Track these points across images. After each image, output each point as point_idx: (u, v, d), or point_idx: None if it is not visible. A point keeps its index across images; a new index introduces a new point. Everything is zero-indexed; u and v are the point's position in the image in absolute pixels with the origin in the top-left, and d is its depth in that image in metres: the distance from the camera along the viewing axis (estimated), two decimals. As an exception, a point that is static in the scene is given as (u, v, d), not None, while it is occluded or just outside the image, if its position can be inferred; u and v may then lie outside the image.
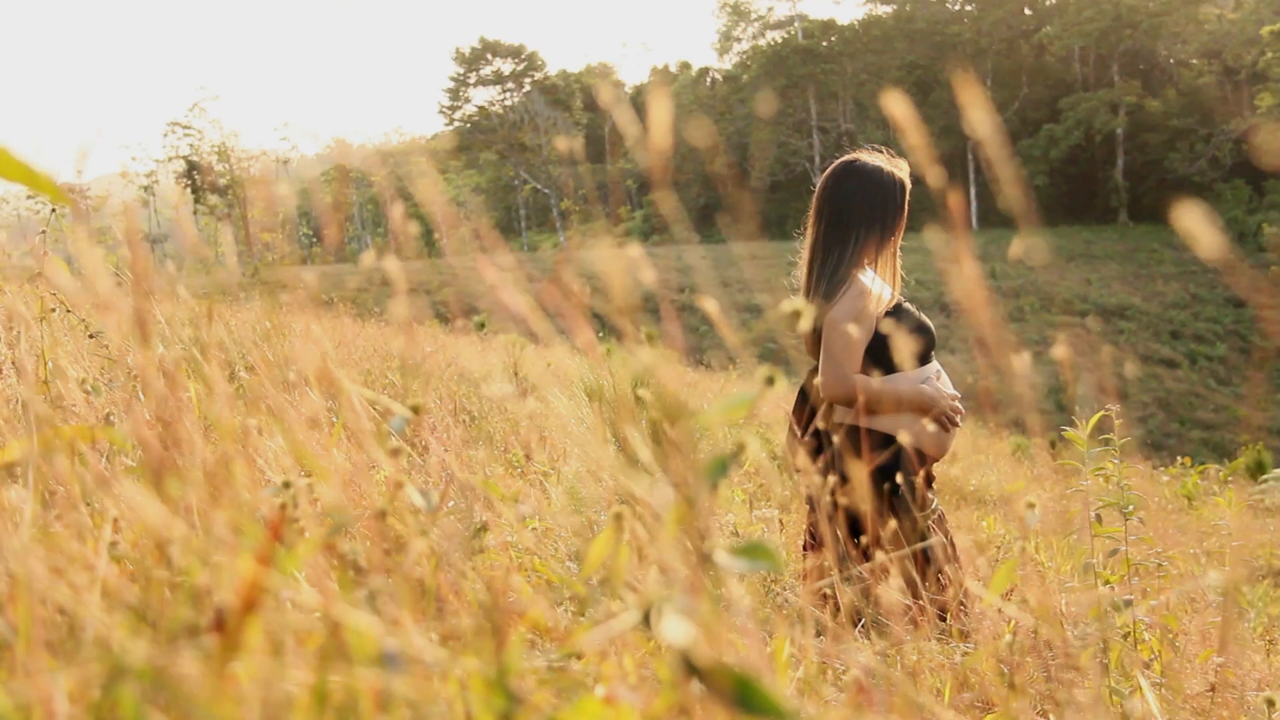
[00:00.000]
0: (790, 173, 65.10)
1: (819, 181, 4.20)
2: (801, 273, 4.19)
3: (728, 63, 78.50)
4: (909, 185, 4.22)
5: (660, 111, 1.20)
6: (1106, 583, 3.87)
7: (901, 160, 4.25)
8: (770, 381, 1.46)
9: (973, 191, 68.88)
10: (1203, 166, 64.67)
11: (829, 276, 4.07)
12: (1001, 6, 71.62)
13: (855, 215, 4.13)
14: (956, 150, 69.69)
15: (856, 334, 3.98)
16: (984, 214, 68.56)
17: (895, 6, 73.16)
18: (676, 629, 1.00)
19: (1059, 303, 52.60)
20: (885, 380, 4.01)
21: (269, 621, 1.09)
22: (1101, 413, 4.17)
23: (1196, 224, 0.96)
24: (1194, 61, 69.35)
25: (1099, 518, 4.01)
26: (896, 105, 1.14)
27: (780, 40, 72.35)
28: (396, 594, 1.32)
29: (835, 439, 4.08)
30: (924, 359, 4.15)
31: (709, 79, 79.12)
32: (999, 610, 2.50)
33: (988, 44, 69.92)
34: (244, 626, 1.06)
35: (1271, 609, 8.03)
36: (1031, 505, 2.40)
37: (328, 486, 1.33)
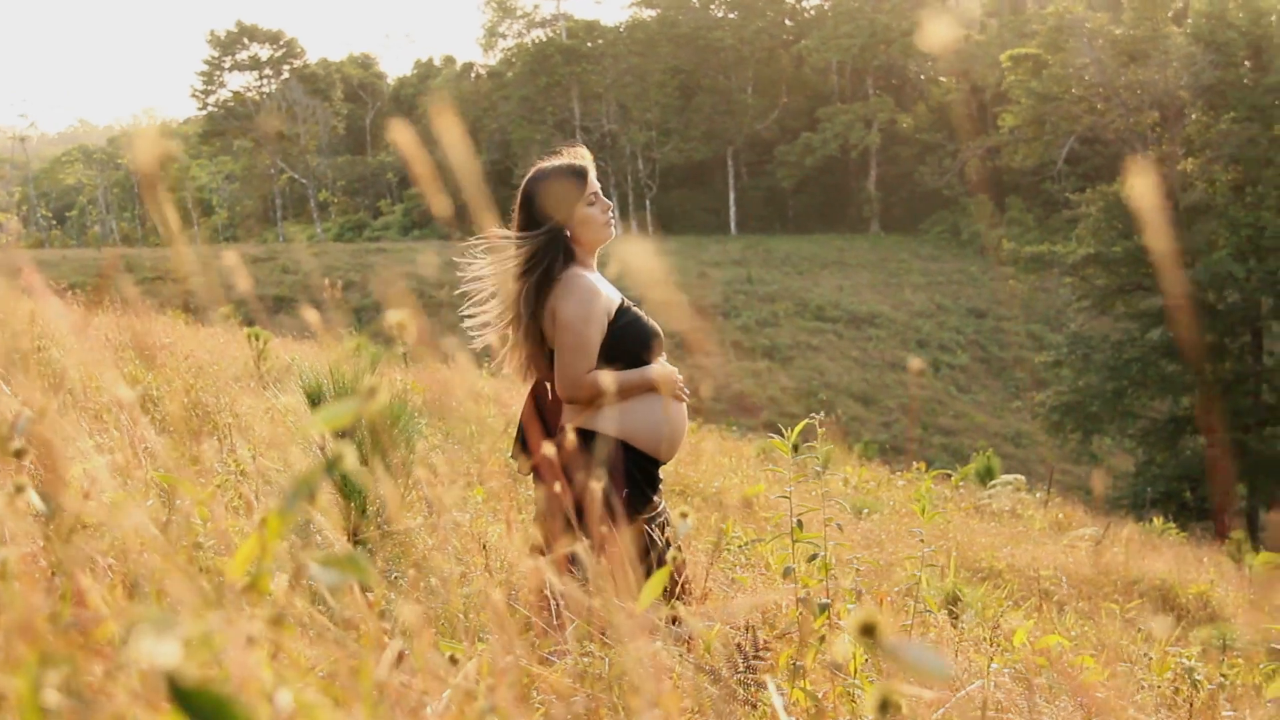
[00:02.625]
0: (553, 172, 64.94)
1: (532, 180, 4.31)
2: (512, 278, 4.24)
3: (493, 59, 78.02)
4: (591, 169, 4.38)
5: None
6: (806, 586, 3.90)
7: (581, 149, 4.42)
8: (373, 393, 1.44)
9: (732, 197, 69.97)
10: (950, 181, 67.01)
11: (536, 279, 4.16)
12: (762, 16, 72.84)
13: (544, 215, 4.22)
14: (717, 155, 70.71)
15: (590, 332, 4.09)
16: (743, 219, 69.76)
17: (659, 11, 73.80)
18: (156, 650, 0.91)
19: (813, 309, 53.78)
20: (611, 372, 4.08)
21: None
22: (806, 421, 4.23)
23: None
24: (943, 79, 71.86)
25: (799, 523, 4.05)
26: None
27: (545, 39, 72.22)
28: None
29: (565, 442, 3.93)
30: (651, 359, 4.23)
31: (473, 74, 78.44)
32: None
33: (749, 52, 71.05)
34: None
35: (989, 610, 8.29)
36: (685, 515, 2.34)
37: None
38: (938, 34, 1.56)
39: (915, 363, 43.43)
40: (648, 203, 69.54)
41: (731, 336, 50.28)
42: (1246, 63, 37.77)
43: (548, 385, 4.28)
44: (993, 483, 17.92)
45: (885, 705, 1.18)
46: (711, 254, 59.26)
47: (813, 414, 4.14)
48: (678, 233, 66.11)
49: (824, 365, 49.29)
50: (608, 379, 4.06)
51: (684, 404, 4.42)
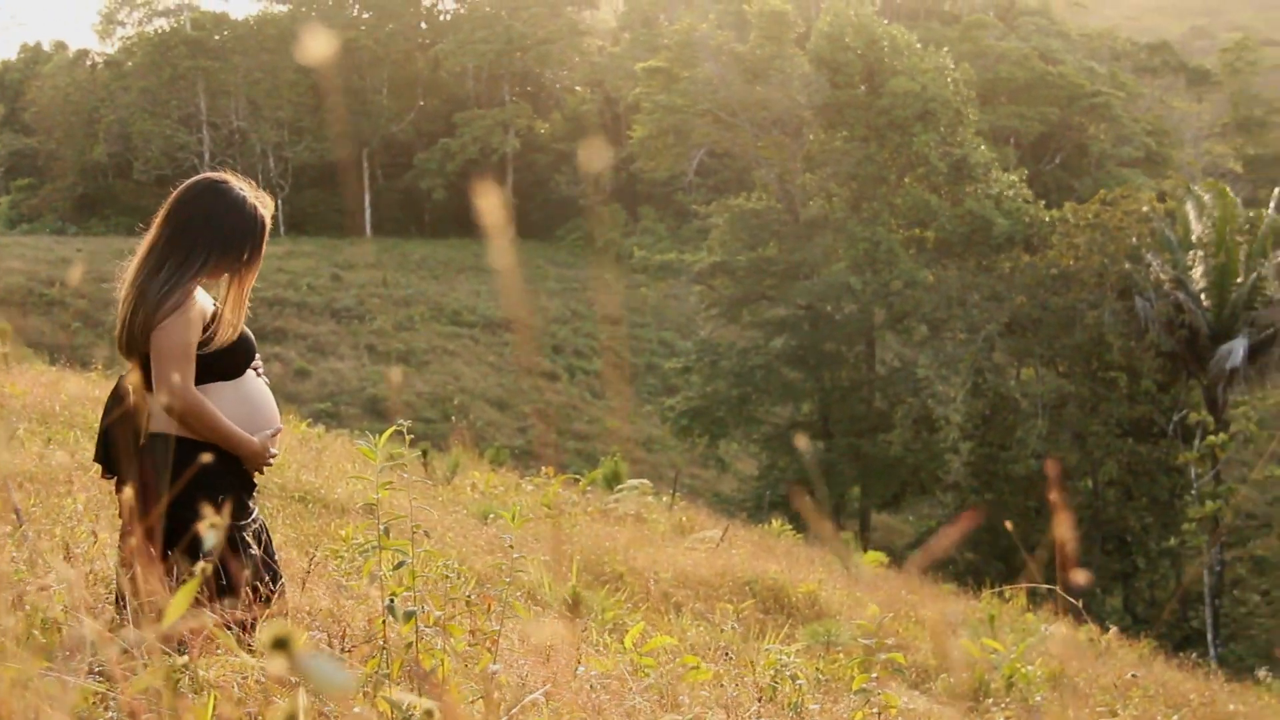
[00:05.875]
0: (178, 167, 61.91)
1: (177, 189, 4.16)
2: (130, 272, 4.09)
3: (110, 47, 74.23)
4: (268, 224, 4.25)
5: None
6: (393, 593, 3.75)
7: (266, 197, 4.27)
8: None
9: (368, 199, 68.93)
10: (585, 189, 67.95)
11: (164, 286, 4.00)
12: (398, 18, 72.02)
13: (208, 236, 4.08)
14: (352, 157, 69.49)
15: (189, 338, 3.98)
16: (379, 222, 68.83)
17: (291, 6, 72.04)
18: None
19: (449, 313, 53.60)
20: (214, 408, 4.03)
21: None
22: (394, 427, 4.06)
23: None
24: (578, 89, 72.91)
25: (387, 530, 3.90)
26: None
27: (168, 29, 69.16)
28: None
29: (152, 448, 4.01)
30: (241, 370, 4.21)
31: (89, 62, 74.35)
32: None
33: (384, 53, 70.07)
34: None
35: (609, 613, 8.28)
36: (213, 525, 2.11)
37: None
38: (316, 47, 1.44)
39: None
40: (280, 202, 67.66)
41: (366, 340, 49.53)
42: (862, 85, 39.76)
43: (131, 387, 4.11)
44: (619, 487, 18.10)
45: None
46: (346, 256, 58.24)
47: (401, 421, 4.00)
48: (311, 234, 64.62)
49: (460, 370, 49.17)
50: (202, 415, 4.01)
51: (274, 402, 4.38)
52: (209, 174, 4.21)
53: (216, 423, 4.02)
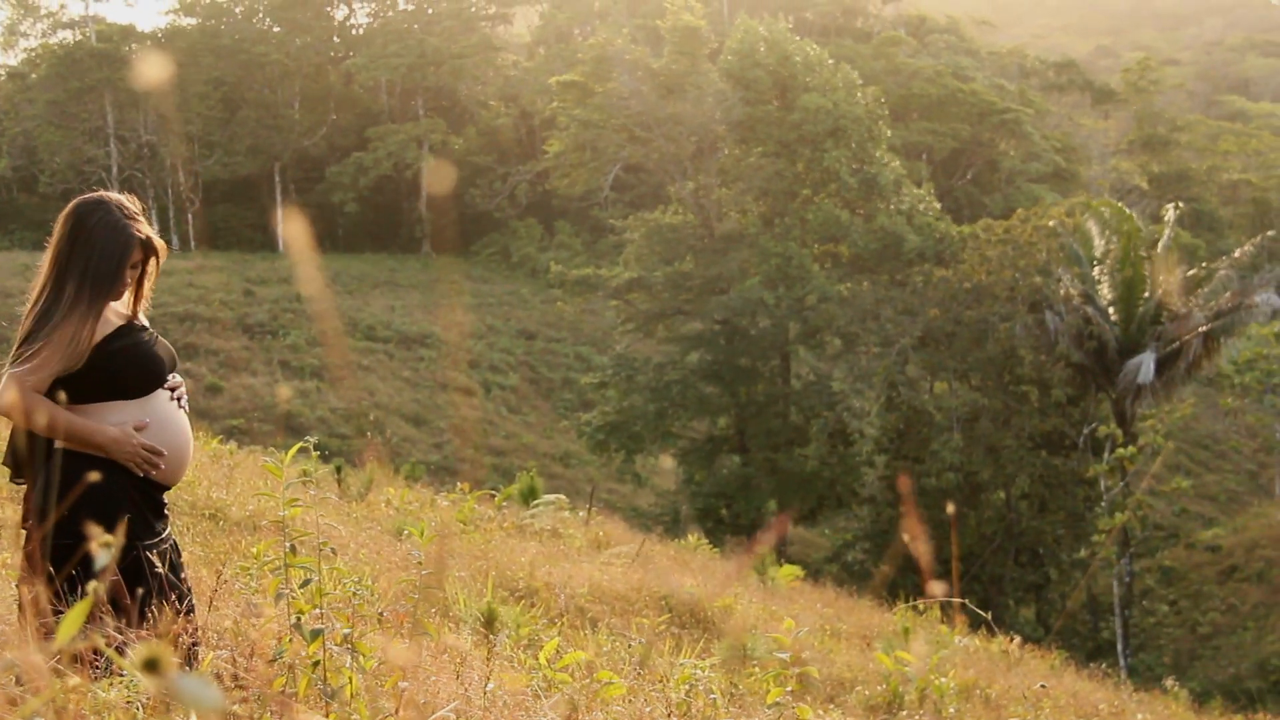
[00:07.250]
0: (85, 180, 60.65)
1: (66, 209, 4.12)
2: (36, 286, 4.06)
3: (14, 58, 73.06)
4: (148, 242, 4.14)
5: None
6: (300, 611, 3.67)
7: (141, 223, 4.15)
8: None
9: (279, 214, 68.14)
10: (501, 204, 67.68)
11: (51, 304, 3.95)
12: (309, 31, 71.41)
13: (73, 264, 4.00)
14: (264, 171, 68.79)
15: (45, 350, 3.88)
16: (291, 237, 68.14)
17: (199, 19, 71.17)
18: None
19: (363, 329, 53.15)
20: (48, 403, 3.86)
21: None
22: (300, 444, 3.99)
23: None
24: (493, 103, 72.60)
25: (294, 548, 3.81)
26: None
27: (73, 41, 68.06)
28: None
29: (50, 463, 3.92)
30: (144, 388, 4.10)
31: (-10, 73, 73.18)
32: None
33: (295, 67, 69.31)
34: None
35: (524, 628, 8.21)
36: (107, 545, 2.03)
37: None
38: (150, 72, 1.37)
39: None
40: (190, 217, 66.77)
41: (280, 355, 48.98)
42: (774, 101, 39.96)
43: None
44: (535, 502, 18.03)
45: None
46: (259, 271, 57.59)
47: (309, 437, 3.94)
48: (223, 249, 63.82)
49: (374, 385, 48.76)
50: (44, 417, 3.84)
51: (186, 425, 4.25)
52: (85, 196, 4.14)
53: (55, 418, 3.86)
